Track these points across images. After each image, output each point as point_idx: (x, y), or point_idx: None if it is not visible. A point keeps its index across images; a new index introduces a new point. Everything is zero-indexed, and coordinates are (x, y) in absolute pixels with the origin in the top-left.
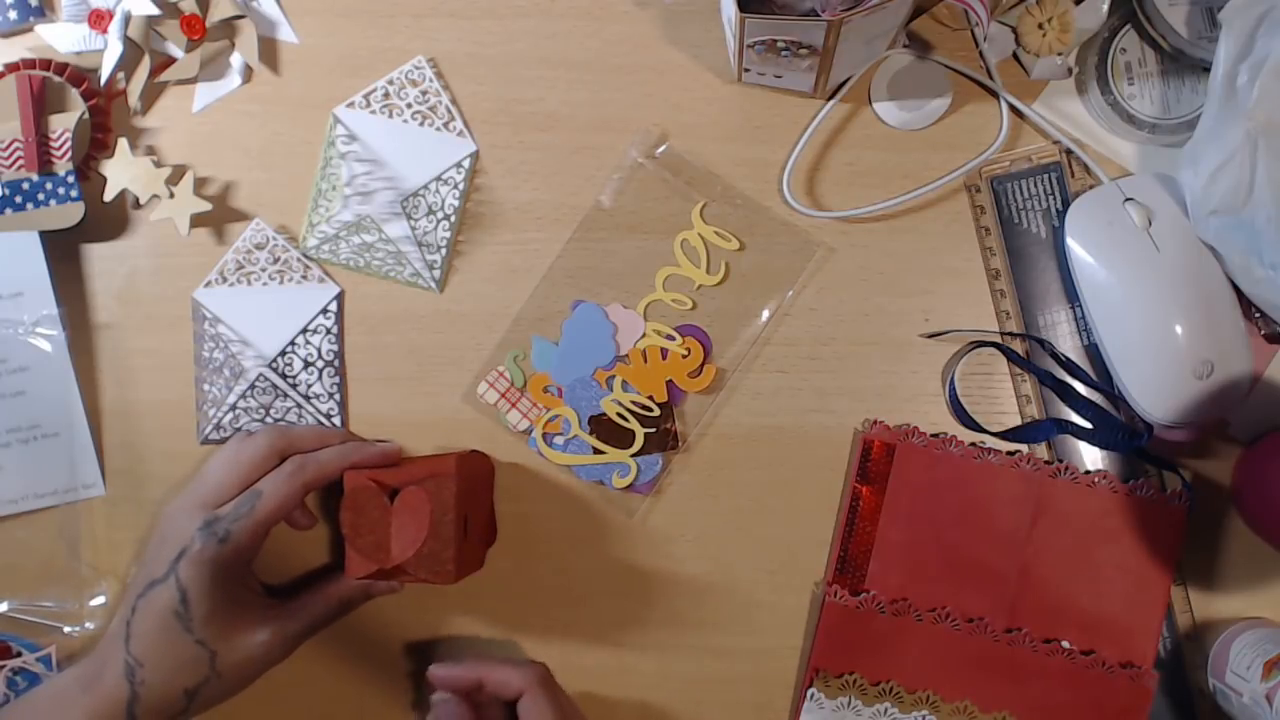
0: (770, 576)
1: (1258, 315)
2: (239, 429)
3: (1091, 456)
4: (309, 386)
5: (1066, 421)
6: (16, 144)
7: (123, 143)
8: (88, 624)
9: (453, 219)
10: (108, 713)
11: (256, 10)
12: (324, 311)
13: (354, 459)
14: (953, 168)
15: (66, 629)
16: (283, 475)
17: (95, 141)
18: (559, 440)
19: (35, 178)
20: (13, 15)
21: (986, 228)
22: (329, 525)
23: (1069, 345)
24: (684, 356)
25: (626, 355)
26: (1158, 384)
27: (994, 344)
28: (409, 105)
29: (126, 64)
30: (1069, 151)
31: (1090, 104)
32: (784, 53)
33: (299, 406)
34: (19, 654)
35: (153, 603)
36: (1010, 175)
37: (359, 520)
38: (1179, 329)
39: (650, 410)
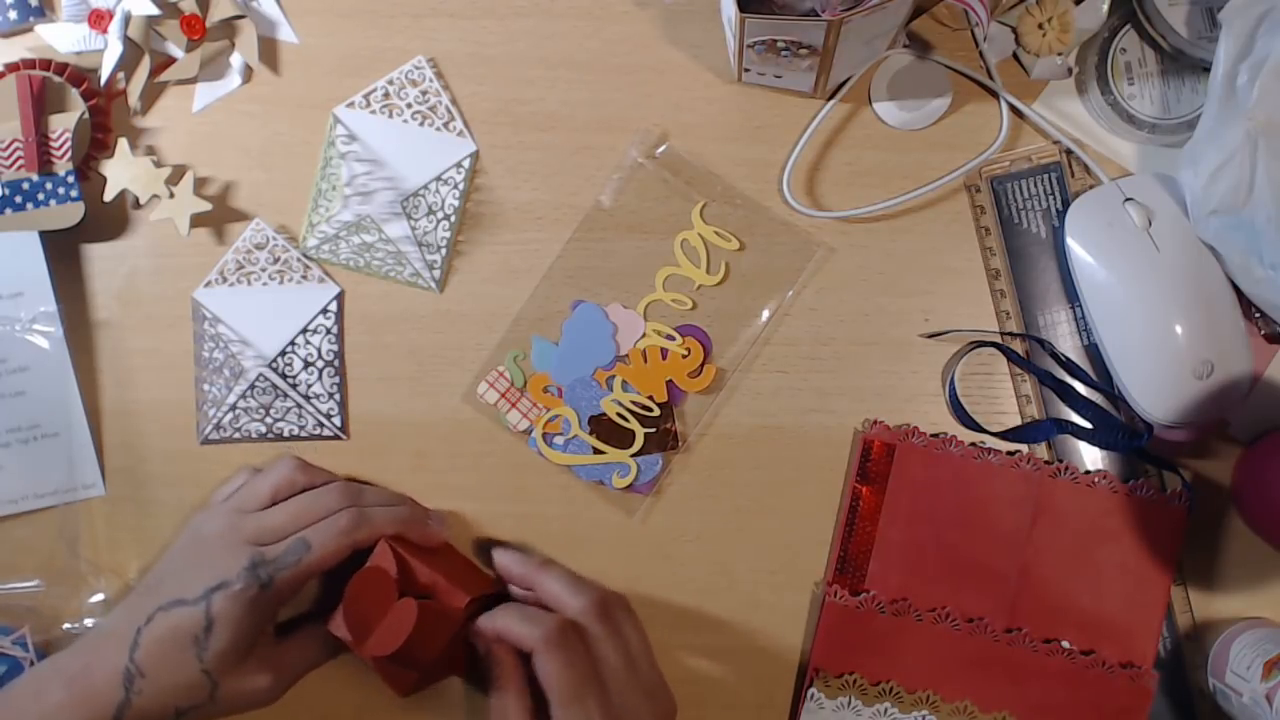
0: (770, 576)
1: (1258, 315)
2: (239, 429)
3: (1091, 456)
4: (309, 386)
5: (1066, 421)
6: (16, 144)
7: (123, 143)
8: (87, 621)
9: (453, 219)
10: (93, 713)
11: (256, 10)
12: (324, 311)
13: (408, 530)
14: (953, 168)
15: (66, 625)
16: (335, 531)
17: (95, 141)
18: (559, 440)
19: (35, 178)
20: (13, 15)
21: (986, 228)
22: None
23: (1069, 345)
24: (684, 356)
25: (626, 355)
26: (1158, 384)
27: (994, 344)
28: (409, 105)
29: (126, 64)
30: (1069, 151)
31: (1090, 104)
32: (784, 53)
33: (299, 406)
34: None
35: (174, 620)
36: (1010, 175)
37: (361, 595)
38: (1179, 329)
39: (650, 410)
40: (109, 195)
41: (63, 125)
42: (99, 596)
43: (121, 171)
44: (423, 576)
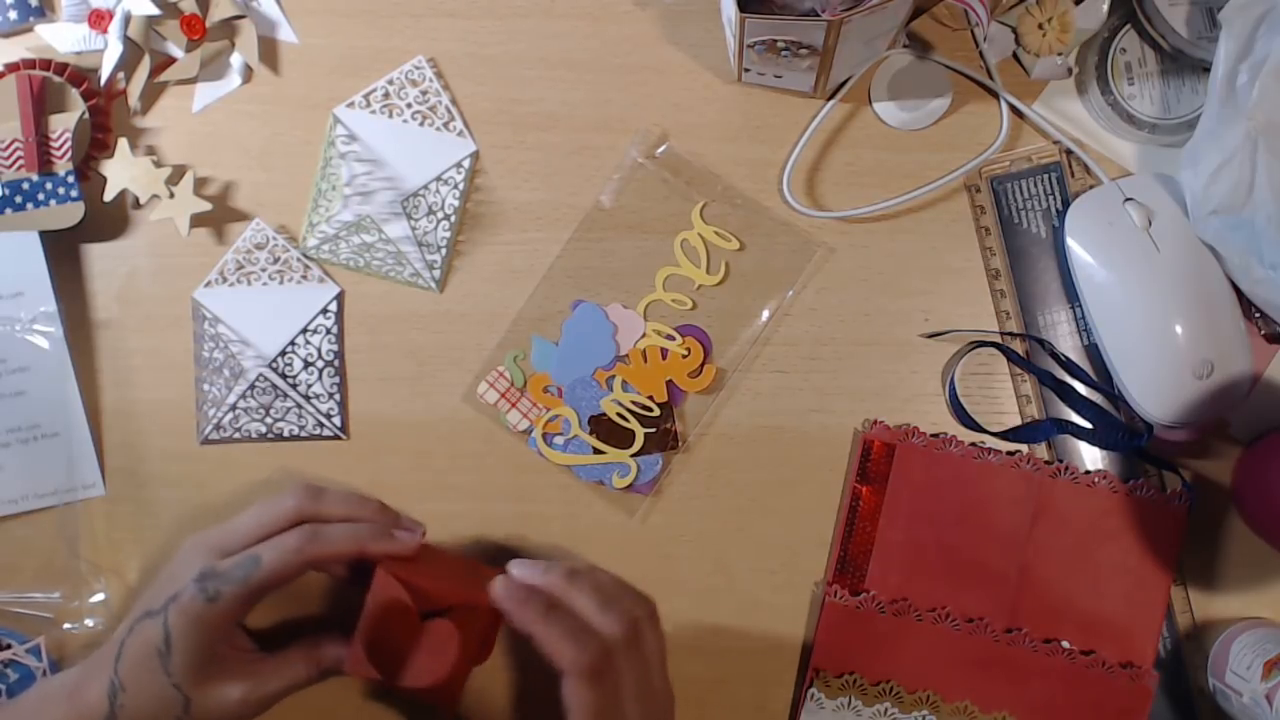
0: (770, 576)
1: (1258, 315)
2: (239, 429)
3: (1091, 456)
4: (309, 386)
5: (1066, 421)
6: (16, 144)
7: (123, 143)
8: (88, 621)
9: (453, 219)
10: None
11: (256, 10)
12: (324, 311)
13: (369, 546)
14: (953, 168)
15: (66, 626)
16: (287, 546)
17: (95, 141)
18: (559, 440)
19: (35, 178)
20: (13, 15)
21: (986, 228)
22: (338, 587)
23: (1069, 345)
24: (684, 356)
25: (626, 355)
26: (1158, 384)
27: (994, 344)
28: (409, 105)
29: (126, 64)
30: (1069, 151)
31: (1090, 104)
32: (784, 53)
33: (299, 406)
34: (8, 646)
35: (144, 632)
36: (1010, 175)
37: (381, 632)
38: (1179, 329)
39: (650, 410)
40: (109, 195)
41: (63, 125)
42: (99, 597)
43: (121, 171)
44: (434, 591)
